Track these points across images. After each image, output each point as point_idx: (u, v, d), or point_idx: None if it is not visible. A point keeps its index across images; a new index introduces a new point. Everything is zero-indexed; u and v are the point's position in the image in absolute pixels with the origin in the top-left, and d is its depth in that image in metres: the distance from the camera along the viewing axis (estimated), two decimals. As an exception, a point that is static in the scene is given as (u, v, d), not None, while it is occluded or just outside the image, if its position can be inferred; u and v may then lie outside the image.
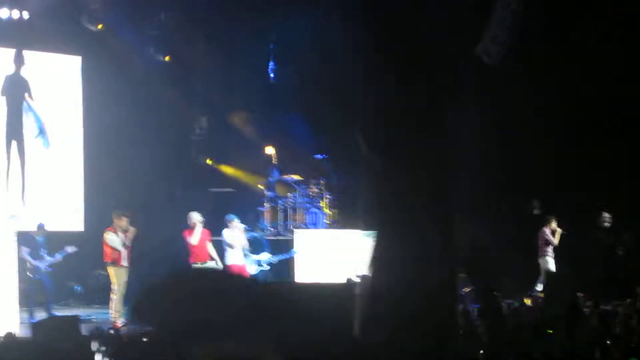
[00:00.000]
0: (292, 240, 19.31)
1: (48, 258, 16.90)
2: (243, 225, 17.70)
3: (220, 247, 17.62)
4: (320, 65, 21.12)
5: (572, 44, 19.53)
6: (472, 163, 20.34)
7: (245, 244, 17.60)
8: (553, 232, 18.88)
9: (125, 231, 16.31)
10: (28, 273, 16.61)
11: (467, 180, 20.30)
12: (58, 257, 17.05)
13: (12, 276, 14.94)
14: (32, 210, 19.01)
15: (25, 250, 16.50)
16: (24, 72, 17.80)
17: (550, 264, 18.80)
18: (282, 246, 19.19)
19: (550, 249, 18.85)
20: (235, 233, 17.41)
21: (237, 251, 17.39)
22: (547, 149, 19.81)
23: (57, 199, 20.09)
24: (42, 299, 17.09)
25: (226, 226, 17.51)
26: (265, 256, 18.33)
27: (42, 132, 18.25)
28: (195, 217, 16.93)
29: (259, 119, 21.10)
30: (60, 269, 17.84)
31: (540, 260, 18.86)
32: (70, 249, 17.20)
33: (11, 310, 14.76)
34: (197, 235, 16.73)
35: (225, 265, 17.24)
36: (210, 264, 16.77)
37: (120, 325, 15.55)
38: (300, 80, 21.96)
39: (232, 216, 17.61)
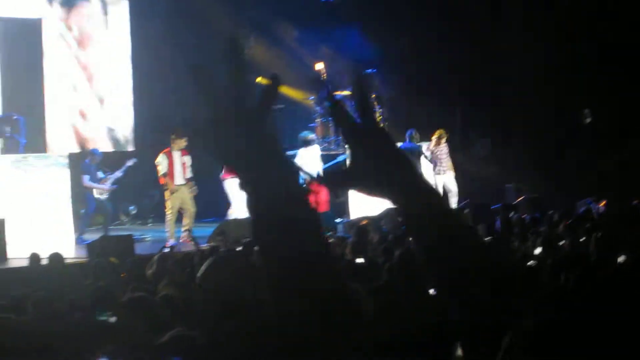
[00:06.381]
0: (343, 155, 19.13)
1: (109, 177, 17.07)
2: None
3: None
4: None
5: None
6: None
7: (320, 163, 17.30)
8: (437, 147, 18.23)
9: (183, 150, 15.95)
10: (96, 194, 16.73)
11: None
12: (118, 173, 17.23)
13: (66, 198, 15.06)
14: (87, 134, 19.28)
15: (85, 178, 16.62)
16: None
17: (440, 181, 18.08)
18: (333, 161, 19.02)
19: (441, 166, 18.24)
20: (314, 151, 17.27)
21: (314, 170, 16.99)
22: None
23: (106, 123, 20.22)
24: (102, 221, 17.25)
25: (301, 145, 17.20)
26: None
27: None
28: None
29: (307, 34, 20.86)
30: (114, 190, 17.97)
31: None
32: (130, 162, 17.38)
33: (66, 231, 14.88)
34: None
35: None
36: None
37: (189, 240, 15.13)
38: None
39: (308, 133, 17.51)
